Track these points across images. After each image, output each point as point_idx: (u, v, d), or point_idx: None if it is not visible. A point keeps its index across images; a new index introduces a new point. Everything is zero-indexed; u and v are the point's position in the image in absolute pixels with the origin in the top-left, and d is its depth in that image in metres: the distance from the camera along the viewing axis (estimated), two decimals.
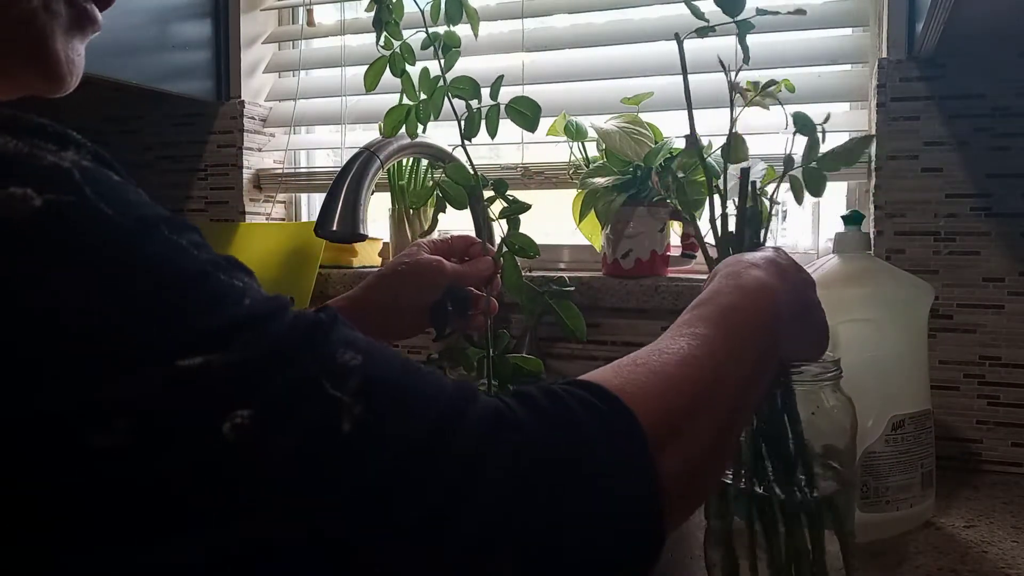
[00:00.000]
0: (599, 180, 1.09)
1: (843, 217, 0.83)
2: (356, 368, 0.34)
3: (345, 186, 0.85)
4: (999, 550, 0.74)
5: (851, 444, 0.64)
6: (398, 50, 0.85)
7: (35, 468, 0.29)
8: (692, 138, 0.66)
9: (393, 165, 1.20)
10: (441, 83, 0.83)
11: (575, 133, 1.15)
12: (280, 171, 1.43)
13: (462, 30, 0.86)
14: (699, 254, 1.13)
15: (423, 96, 0.85)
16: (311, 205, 1.50)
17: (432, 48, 0.84)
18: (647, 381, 0.43)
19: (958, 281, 0.96)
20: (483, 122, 0.83)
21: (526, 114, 0.83)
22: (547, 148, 1.25)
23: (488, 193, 0.88)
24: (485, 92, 0.85)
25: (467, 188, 0.85)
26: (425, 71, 0.84)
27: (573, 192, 1.16)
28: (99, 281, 0.30)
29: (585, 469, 0.38)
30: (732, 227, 0.65)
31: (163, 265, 0.32)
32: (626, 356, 0.46)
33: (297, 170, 1.47)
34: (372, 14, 0.83)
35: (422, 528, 0.33)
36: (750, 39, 0.68)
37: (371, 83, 0.87)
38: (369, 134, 1.37)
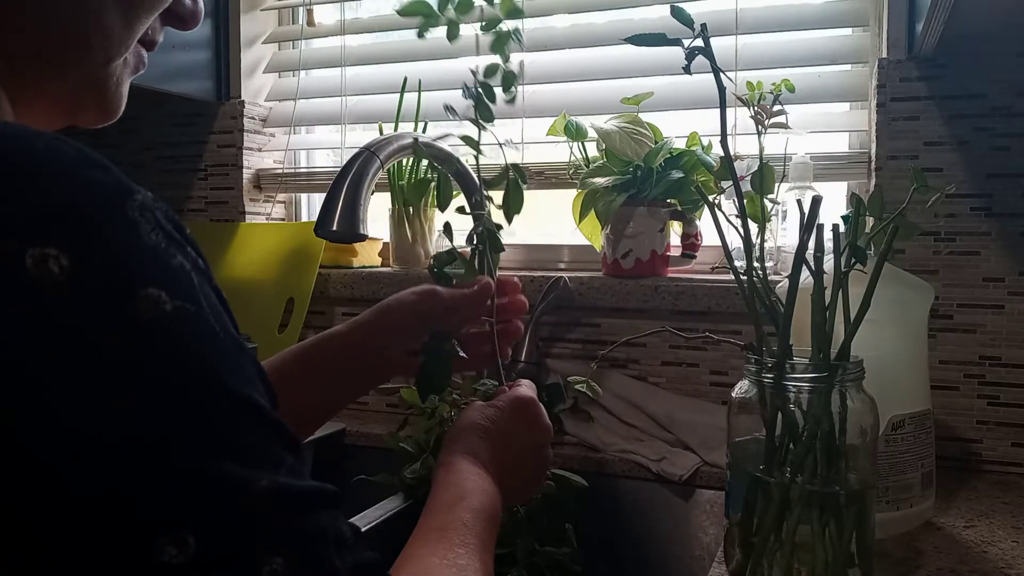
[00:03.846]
0: (599, 180, 1.09)
1: (843, 217, 0.83)
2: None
3: (345, 186, 0.85)
4: (999, 550, 0.74)
5: (872, 444, 0.64)
6: None
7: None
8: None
9: (393, 165, 1.20)
10: None
11: (575, 133, 1.15)
12: (280, 171, 1.43)
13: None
14: (699, 254, 1.13)
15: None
16: (311, 205, 1.50)
17: None
18: None
19: (958, 281, 0.96)
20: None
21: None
22: (547, 148, 1.25)
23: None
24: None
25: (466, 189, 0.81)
26: None
27: (573, 192, 1.16)
28: (176, 397, 0.32)
29: None
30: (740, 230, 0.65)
31: (238, 396, 0.34)
32: None
33: (297, 170, 1.47)
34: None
35: None
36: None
37: None
38: (369, 134, 1.37)
